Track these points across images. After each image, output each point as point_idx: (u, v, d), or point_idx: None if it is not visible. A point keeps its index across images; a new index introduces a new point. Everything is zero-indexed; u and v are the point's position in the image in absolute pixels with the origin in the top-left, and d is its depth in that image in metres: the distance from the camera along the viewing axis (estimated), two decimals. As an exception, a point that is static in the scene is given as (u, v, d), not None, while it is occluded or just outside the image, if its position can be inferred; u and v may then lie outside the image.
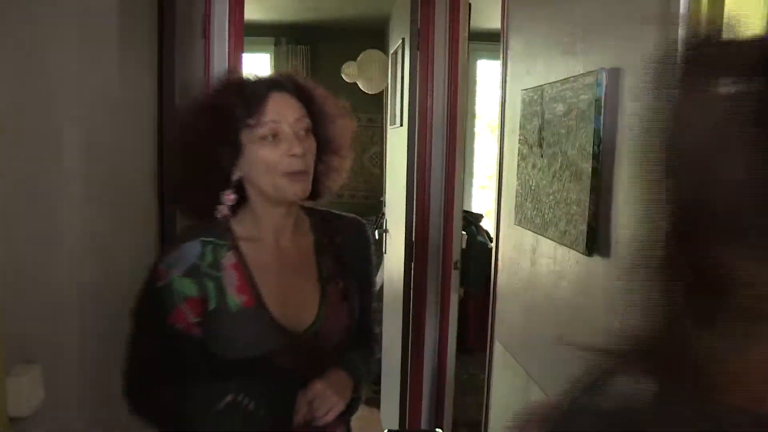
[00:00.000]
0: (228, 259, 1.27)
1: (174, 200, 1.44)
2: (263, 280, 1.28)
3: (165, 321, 1.24)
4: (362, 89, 5.26)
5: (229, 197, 1.27)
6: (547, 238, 1.61)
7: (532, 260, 1.76)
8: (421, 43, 3.01)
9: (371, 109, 5.55)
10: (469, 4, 3.09)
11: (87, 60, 1.41)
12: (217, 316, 1.24)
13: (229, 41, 2.37)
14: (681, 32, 0.97)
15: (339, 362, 1.33)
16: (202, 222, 1.32)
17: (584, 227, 1.35)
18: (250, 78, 1.32)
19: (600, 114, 1.30)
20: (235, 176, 1.27)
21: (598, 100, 1.31)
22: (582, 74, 1.40)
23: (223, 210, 1.28)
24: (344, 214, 1.47)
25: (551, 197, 1.56)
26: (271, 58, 5.47)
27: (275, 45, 5.44)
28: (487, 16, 3.93)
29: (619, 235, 1.27)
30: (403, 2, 3.25)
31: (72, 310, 1.32)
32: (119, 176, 1.59)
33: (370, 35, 5.33)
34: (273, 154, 1.23)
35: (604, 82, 1.30)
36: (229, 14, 2.34)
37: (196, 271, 1.25)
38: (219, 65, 2.34)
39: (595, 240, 1.32)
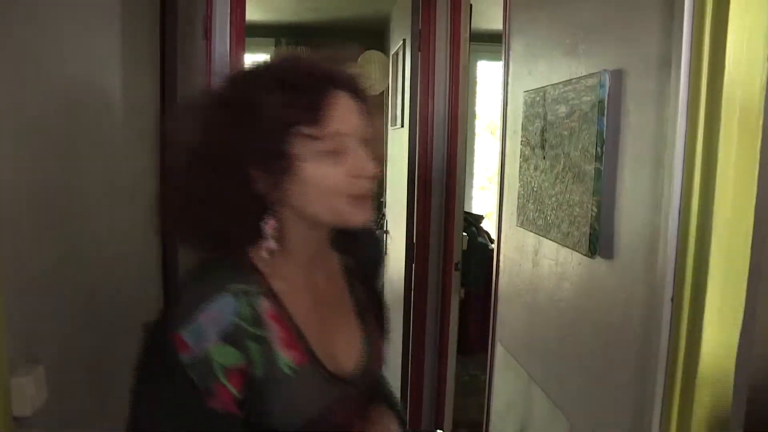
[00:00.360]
0: (264, 308, 0.99)
1: (179, 229, 1.05)
2: (309, 327, 1.03)
3: (199, 405, 0.94)
4: (363, 90, 5.26)
5: (272, 225, 1.00)
6: (550, 239, 1.60)
7: (534, 262, 1.76)
8: (422, 44, 3.01)
9: (371, 110, 5.54)
10: (471, 5, 3.09)
11: (88, 61, 1.41)
12: (265, 383, 0.98)
13: (230, 42, 2.37)
14: (686, 33, 0.97)
15: (379, 397, 1.17)
16: (214, 258, 1.01)
17: (587, 229, 1.35)
18: (301, 67, 1.00)
19: (603, 115, 1.30)
20: (276, 198, 0.98)
21: (600, 102, 1.30)
22: (584, 76, 1.40)
23: (269, 245, 1.00)
24: None
25: (554, 199, 1.56)
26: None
27: (275, 46, 5.44)
28: (488, 17, 3.93)
29: (622, 237, 1.26)
30: (404, 3, 3.26)
31: (75, 310, 1.32)
32: (120, 177, 1.59)
33: (371, 36, 5.33)
34: (337, 173, 0.96)
35: (607, 84, 1.30)
36: (230, 15, 2.34)
37: (238, 333, 0.95)
38: (220, 66, 2.33)
39: (598, 242, 1.32)
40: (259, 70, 1.02)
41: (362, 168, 0.98)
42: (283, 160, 0.94)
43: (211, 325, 0.93)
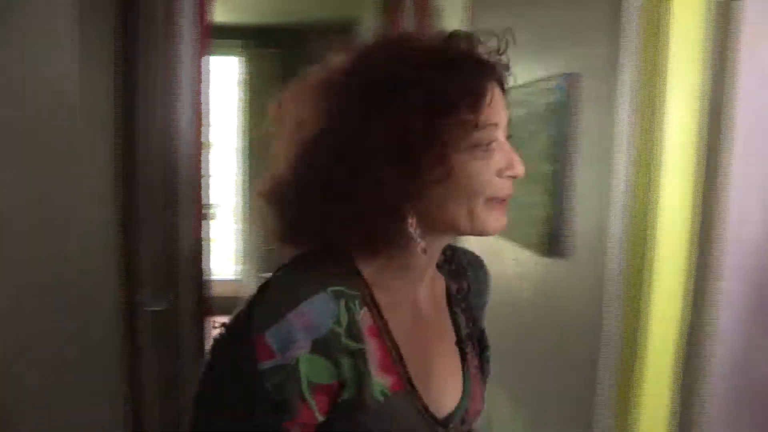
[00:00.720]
0: (363, 319, 0.83)
1: (284, 226, 0.88)
2: (408, 351, 0.88)
3: (272, 424, 0.79)
4: (332, 93, 5.25)
5: (414, 225, 0.82)
6: (510, 240, 1.63)
7: (496, 262, 1.78)
8: (389, 47, 3.03)
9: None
10: (437, 9, 3.11)
11: (46, 62, 1.39)
12: (352, 408, 0.81)
13: (195, 43, 2.34)
14: (631, 40, 1.00)
15: None
16: (313, 252, 0.87)
17: (543, 229, 1.37)
18: (461, 47, 0.85)
19: (559, 118, 1.33)
20: (410, 194, 0.81)
21: (557, 104, 1.33)
22: (543, 79, 1.43)
23: (422, 245, 0.83)
24: (464, 248, 1.09)
25: (513, 200, 1.58)
26: (240, 61, 5.44)
27: (244, 48, 5.40)
28: (455, 22, 3.96)
29: (576, 237, 1.29)
30: (374, 6, 3.27)
31: (33, 309, 1.30)
32: (79, 176, 1.57)
33: (342, 39, 5.32)
34: (486, 170, 0.82)
35: (563, 87, 1.32)
36: (195, 15, 2.32)
37: (333, 343, 0.79)
38: (185, 68, 2.31)
39: (555, 242, 1.34)
40: (408, 44, 0.85)
41: (513, 166, 0.84)
42: (433, 147, 0.79)
43: (303, 328, 0.77)
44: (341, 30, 5.23)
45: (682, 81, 0.93)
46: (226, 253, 5.68)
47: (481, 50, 0.86)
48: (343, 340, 0.79)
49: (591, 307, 1.20)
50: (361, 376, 0.81)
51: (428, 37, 0.86)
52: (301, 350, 0.77)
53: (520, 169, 0.84)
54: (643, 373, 0.97)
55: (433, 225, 0.84)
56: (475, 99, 0.79)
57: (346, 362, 0.80)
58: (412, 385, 0.86)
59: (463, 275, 1.03)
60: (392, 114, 0.77)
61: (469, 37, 0.87)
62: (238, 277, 5.51)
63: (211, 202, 3.96)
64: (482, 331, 1.03)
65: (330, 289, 0.79)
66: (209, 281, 2.80)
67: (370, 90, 0.79)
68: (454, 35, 0.85)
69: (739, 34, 0.95)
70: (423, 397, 0.87)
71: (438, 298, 0.97)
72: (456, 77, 0.79)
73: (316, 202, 0.82)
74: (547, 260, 1.40)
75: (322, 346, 0.78)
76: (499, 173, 0.83)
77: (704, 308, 0.96)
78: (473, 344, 1.00)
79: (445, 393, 0.91)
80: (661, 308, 0.96)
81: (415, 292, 0.92)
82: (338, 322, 0.79)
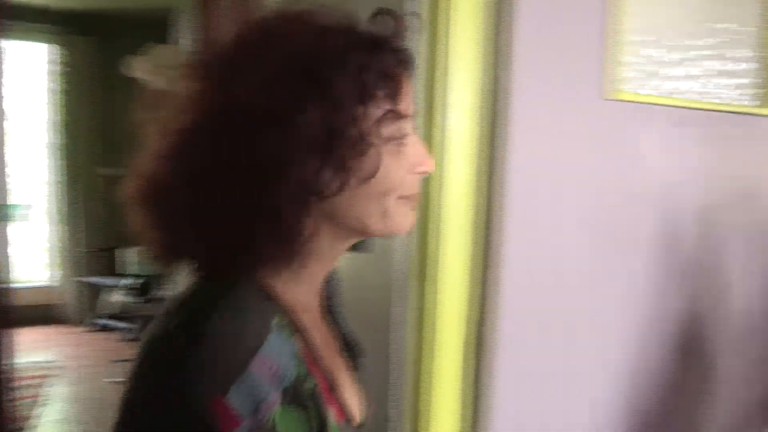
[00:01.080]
0: (299, 349, 0.71)
1: (189, 237, 0.72)
2: (334, 373, 0.79)
3: None
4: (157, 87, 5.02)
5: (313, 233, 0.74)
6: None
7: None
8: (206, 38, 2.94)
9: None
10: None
11: None
12: None
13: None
14: (416, 36, 1.03)
15: None
16: (215, 280, 0.71)
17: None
18: (369, 29, 0.74)
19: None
20: (321, 196, 0.70)
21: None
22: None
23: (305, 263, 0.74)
24: None
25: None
26: (51, 48, 5.02)
27: (55, 34, 4.99)
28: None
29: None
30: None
31: None
32: None
33: (165, 28, 5.09)
34: (399, 166, 0.74)
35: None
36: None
37: (300, 386, 0.68)
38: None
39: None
40: (325, 22, 0.72)
41: (423, 161, 0.77)
42: (358, 137, 0.69)
43: (270, 378, 0.64)
44: (156, 18, 5.00)
45: (463, 76, 0.98)
46: (38, 258, 5.23)
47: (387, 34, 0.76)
48: (305, 381, 0.69)
49: (390, 295, 1.24)
50: (321, 415, 0.70)
51: (341, 16, 0.74)
52: (275, 405, 0.64)
53: (431, 165, 0.78)
54: (432, 372, 1.01)
55: (340, 227, 0.75)
56: (394, 87, 0.72)
57: (311, 405, 0.69)
58: (349, 411, 0.77)
59: (328, 282, 0.92)
60: (316, 100, 0.67)
61: (394, 19, 0.77)
62: (52, 283, 5.10)
63: (14, 202, 3.64)
64: (354, 334, 0.94)
65: (274, 322, 0.66)
66: (9, 289, 2.57)
67: (288, 72, 0.68)
68: (377, 15, 0.75)
69: (512, 33, 1.02)
70: (354, 420, 0.78)
71: (319, 308, 0.86)
72: (378, 62, 0.70)
73: (215, 200, 0.68)
74: (355, 255, 1.42)
75: (292, 394, 0.66)
76: (411, 169, 0.76)
77: (487, 299, 1.01)
78: (348, 351, 0.90)
79: (355, 407, 0.82)
80: (448, 299, 1.00)
81: (315, 303, 0.82)
82: (295, 361, 0.68)
